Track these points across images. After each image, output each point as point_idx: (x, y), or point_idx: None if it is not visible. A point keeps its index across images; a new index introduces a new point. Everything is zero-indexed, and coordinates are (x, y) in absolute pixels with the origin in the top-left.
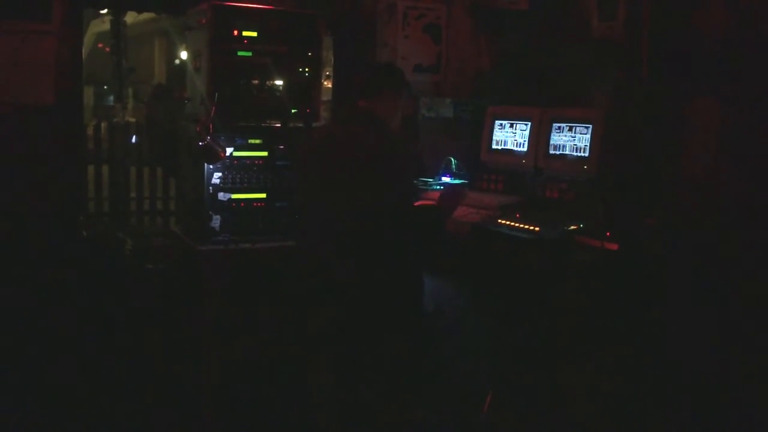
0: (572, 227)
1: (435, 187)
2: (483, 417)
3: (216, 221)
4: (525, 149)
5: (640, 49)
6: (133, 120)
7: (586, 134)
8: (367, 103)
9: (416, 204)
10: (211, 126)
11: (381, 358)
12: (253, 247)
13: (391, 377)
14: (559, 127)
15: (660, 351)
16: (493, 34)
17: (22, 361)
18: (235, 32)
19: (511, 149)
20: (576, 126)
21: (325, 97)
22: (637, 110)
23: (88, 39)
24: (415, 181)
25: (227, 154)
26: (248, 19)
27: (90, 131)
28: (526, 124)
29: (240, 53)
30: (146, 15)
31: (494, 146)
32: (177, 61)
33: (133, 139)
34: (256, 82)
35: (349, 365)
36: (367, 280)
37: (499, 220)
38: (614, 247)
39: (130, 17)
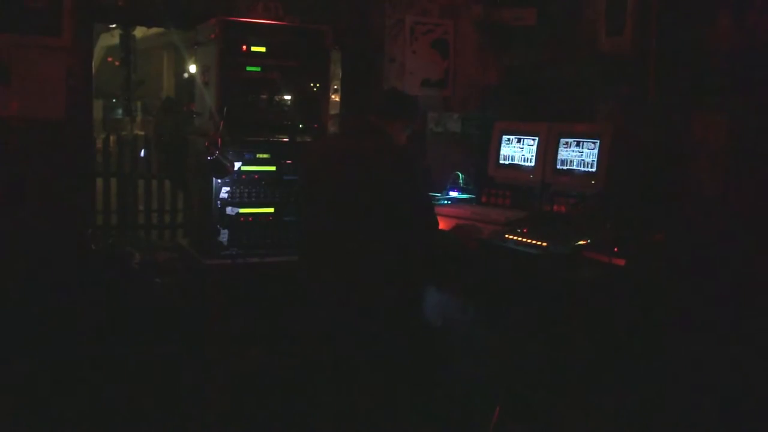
0: (580, 242)
1: (443, 201)
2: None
3: (224, 235)
4: (532, 164)
5: (648, 64)
6: (141, 133)
7: (593, 149)
8: (378, 120)
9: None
10: (219, 140)
11: (385, 374)
12: (260, 262)
13: (395, 392)
14: (567, 142)
15: (667, 367)
16: (500, 50)
17: (28, 373)
18: (244, 47)
19: (519, 164)
20: (583, 141)
21: (333, 111)
22: (644, 125)
23: (97, 53)
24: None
25: (235, 168)
26: (257, 34)
27: (99, 144)
28: (533, 139)
29: (249, 68)
30: (155, 29)
31: (501, 161)
32: (186, 76)
33: (142, 153)
34: (264, 96)
35: (353, 381)
36: (379, 293)
37: (507, 235)
38: (622, 262)
39: (140, 31)
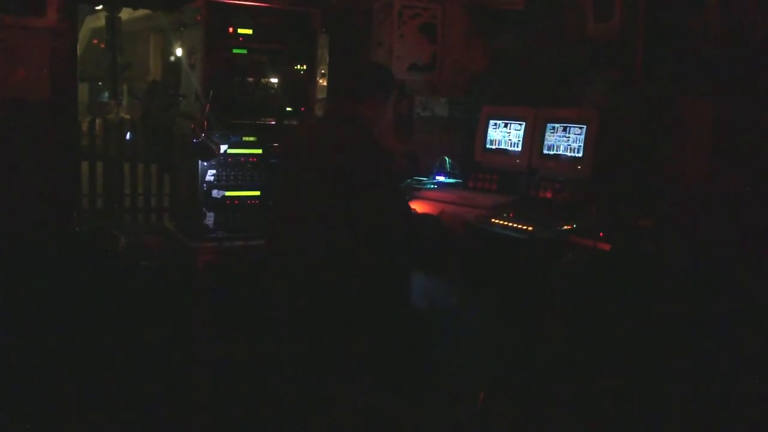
0: (565, 227)
1: (429, 186)
2: (476, 414)
3: (210, 218)
4: (519, 149)
5: (635, 50)
6: (127, 117)
7: (580, 134)
8: (353, 105)
9: (418, 212)
10: (205, 123)
11: (369, 358)
12: (246, 245)
13: (382, 376)
14: (554, 128)
15: (652, 349)
16: (488, 34)
17: (14, 357)
18: (231, 29)
19: (506, 149)
20: (570, 126)
21: (320, 95)
22: (631, 111)
23: (82, 35)
24: (403, 184)
25: (221, 151)
26: (244, 16)
27: (84, 128)
28: (520, 124)
29: (235, 50)
30: (141, 11)
31: (488, 146)
32: (172, 58)
33: (128, 136)
34: (251, 79)
35: (338, 365)
36: (339, 286)
37: (493, 220)
38: (607, 247)
39: (125, 13)
